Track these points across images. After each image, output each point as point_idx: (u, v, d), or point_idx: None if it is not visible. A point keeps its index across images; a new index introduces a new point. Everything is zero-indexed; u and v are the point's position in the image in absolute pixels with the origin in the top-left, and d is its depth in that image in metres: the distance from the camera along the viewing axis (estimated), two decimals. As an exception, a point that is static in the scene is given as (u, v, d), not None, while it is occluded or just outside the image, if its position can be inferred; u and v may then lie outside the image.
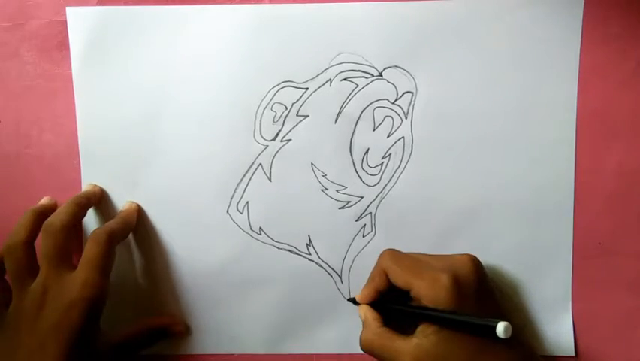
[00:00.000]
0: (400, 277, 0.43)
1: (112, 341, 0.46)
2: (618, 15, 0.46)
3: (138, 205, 0.49)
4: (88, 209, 0.48)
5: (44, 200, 0.48)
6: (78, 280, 0.42)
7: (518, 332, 0.42)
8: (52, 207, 0.47)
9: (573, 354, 0.49)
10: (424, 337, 0.41)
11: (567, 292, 0.48)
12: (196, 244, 0.49)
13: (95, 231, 0.44)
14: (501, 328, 0.37)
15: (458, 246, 0.48)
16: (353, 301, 0.48)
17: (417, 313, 0.42)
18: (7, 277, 0.45)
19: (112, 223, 0.46)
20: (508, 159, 0.47)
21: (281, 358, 0.50)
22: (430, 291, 0.41)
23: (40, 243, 0.44)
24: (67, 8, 0.47)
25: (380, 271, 0.45)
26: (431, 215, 0.48)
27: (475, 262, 0.43)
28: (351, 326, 0.49)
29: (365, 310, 0.46)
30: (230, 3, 0.47)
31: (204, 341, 0.50)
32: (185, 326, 0.50)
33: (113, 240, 0.44)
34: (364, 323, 0.45)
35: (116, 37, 0.47)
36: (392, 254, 0.45)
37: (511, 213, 0.48)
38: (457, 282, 0.41)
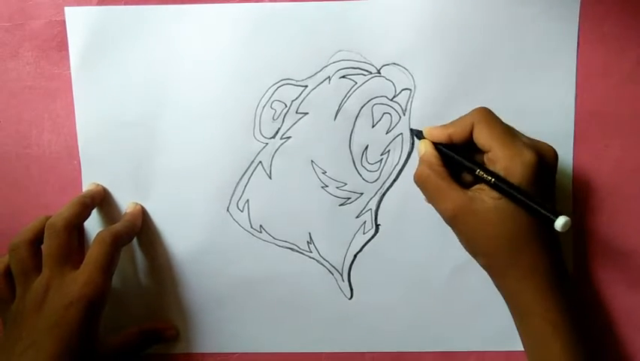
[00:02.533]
0: (486, 136, 0.41)
1: (108, 347, 0.46)
2: (615, 15, 0.47)
3: (142, 207, 0.49)
4: (92, 209, 0.48)
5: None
6: (80, 279, 0.42)
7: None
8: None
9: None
10: (481, 195, 0.40)
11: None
12: (196, 242, 0.49)
13: (100, 233, 0.44)
14: (561, 221, 0.37)
15: (458, 242, 0.48)
16: (416, 133, 0.46)
17: (483, 175, 0.40)
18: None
19: (117, 226, 0.46)
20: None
21: (282, 356, 0.50)
22: (509, 161, 0.39)
23: (44, 242, 0.44)
24: (65, 8, 0.47)
25: (467, 122, 0.42)
26: (431, 210, 0.48)
27: (556, 155, 0.42)
28: (351, 324, 0.50)
29: (427, 145, 0.44)
30: (230, 2, 0.47)
31: (205, 340, 0.50)
32: (176, 330, 0.50)
33: (118, 242, 0.45)
34: (423, 158, 0.43)
35: (115, 36, 0.47)
36: (487, 112, 0.42)
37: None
38: (539, 164, 0.40)
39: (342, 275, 0.49)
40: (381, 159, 0.48)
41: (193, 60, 0.48)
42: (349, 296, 0.50)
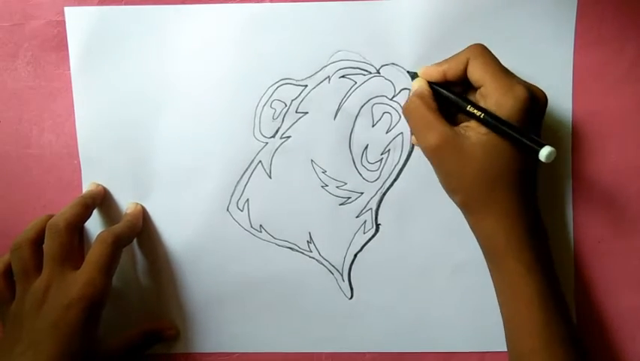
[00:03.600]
0: (480, 71, 0.41)
1: (110, 348, 0.46)
2: (612, 16, 0.47)
3: (143, 207, 0.49)
4: (93, 210, 0.48)
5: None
6: (80, 279, 0.42)
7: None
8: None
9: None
10: (467, 132, 0.41)
11: (569, 288, 0.49)
12: (196, 242, 0.49)
13: (101, 233, 0.44)
14: (546, 151, 0.38)
15: (459, 241, 0.48)
16: (412, 75, 0.46)
17: (473, 111, 0.41)
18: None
19: (119, 226, 0.46)
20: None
21: (282, 356, 0.50)
22: (501, 95, 0.40)
23: (45, 242, 0.44)
24: (65, 8, 0.47)
25: (461, 58, 0.42)
26: (431, 210, 0.48)
27: (547, 99, 0.43)
28: (351, 324, 0.50)
29: (422, 82, 0.44)
30: (230, 2, 0.47)
31: (205, 340, 0.50)
32: (176, 330, 0.50)
33: (118, 243, 0.45)
34: (416, 92, 0.44)
35: (115, 36, 0.47)
36: (482, 48, 0.42)
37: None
38: (530, 101, 0.40)
39: (342, 275, 0.49)
40: (382, 159, 0.48)
41: (193, 60, 0.48)
42: (349, 296, 0.50)
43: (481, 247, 0.43)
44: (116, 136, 0.48)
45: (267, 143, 0.48)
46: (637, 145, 0.48)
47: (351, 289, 0.49)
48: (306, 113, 0.48)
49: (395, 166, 0.48)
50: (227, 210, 0.49)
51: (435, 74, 0.43)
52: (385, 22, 0.47)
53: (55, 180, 0.49)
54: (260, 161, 0.48)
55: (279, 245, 0.49)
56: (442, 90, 0.43)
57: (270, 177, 0.48)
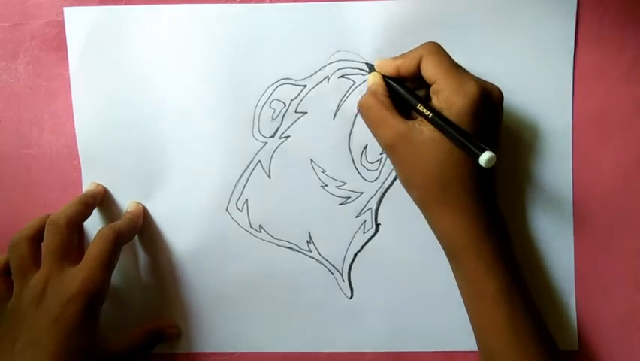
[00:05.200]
0: (433, 67, 0.41)
1: (112, 348, 0.46)
2: (612, 15, 0.47)
3: (144, 206, 0.49)
4: (93, 209, 0.48)
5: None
6: (79, 275, 0.42)
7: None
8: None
9: (577, 348, 0.49)
10: (421, 126, 0.41)
11: (570, 288, 0.49)
12: (196, 242, 0.49)
13: (102, 229, 0.44)
14: (485, 156, 0.38)
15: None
16: (370, 67, 0.46)
17: (422, 110, 0.41)
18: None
19: (119, 223, 0.46)
20: (505, 155, 0.47)
21: (281, 356, 0.50)
22: (452, 92, 0.40)
23: (44, 238, 0.44)
24: (64, 8, 0.47)
25: (415, 54, 0.42)
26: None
27: (502, 95, 0.42)
28: (351, 324, 0.49)
29: (377, 78, 0.44)
30: (230, 2, 0.47)
31: (204, 340, 0.50)
32: (178, 329, 0.50)
33: (119, 239, 0.45)
34: (370, 88, 0.44)
35: (114, 36, 0.47)
36: (436, 45, 0.42)
37: (510, 210, 0.48)
38: (481, 98, 0.40)
39: (342, 275, 0.49)
40: (381, 158, 0.48)
41: (192, 60, 0.48)
42: (349, 296, 0.49)
43: (442, 246, 0.44)
44: (116, 136, 0.48)
45: (266, 143, 0.48)
46: (638, 145, 0.48)
47: (351, 289, 0.49)
48: (306, 113, 0.48)
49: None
50: (227, 210, 0.49)
51: (389, 69, 0.44)
52: (384, 22, 0.47)
53: (55, 180, 0.49)
54: (259, 161, 0.48)
55: (279, 245, 0.49)
56: (395, 86, 0.44)
57: (270, 177, 0.48)
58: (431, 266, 0.49)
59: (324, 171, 0.48)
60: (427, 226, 0.47)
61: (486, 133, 0.41)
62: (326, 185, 0.48)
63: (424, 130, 0.41)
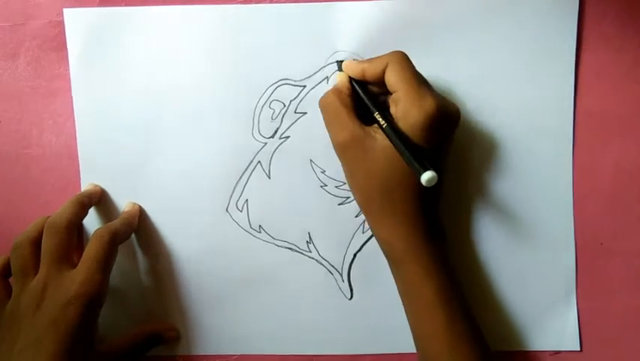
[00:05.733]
0: (396, 77, 0.41)
1: (110, 348, 0.46)
2: (614, 14, 0.47)
3: (140, 206, 0.49)
4: (90, 208, 0.48)
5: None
6: (78, 277, 0.42)
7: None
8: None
9: (578, 348, 0.49)
10: (376, 134, 0.41)
11: (571, 288, 0.48)
12: (195, 242, 0.49)
13: (97, 230, 0.45)
14: (427, 176, 0.38)
15: (459, 241, 0.48)
16: (339, 65, 0.46)
17: (379, 118, 0.41)
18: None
19: (115, 223, 0.46)
20: (505, 156, 0.47)
21: (281, 358, 0.50)
22: (410, 104, 0.40)
23: (43, 241, 0.44)
24: (64, 10, 0.47)
25: (381, 61, 0.42)
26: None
27: (459, 117, 0.43)
28: (352, 325, 0.49)
29: (343, 77, 0.44)
30: (229, 3, 0.47)
31: (204, 342, 0.50)
32: (177, 332, 0.50)
33: (115, 239, 0.45)
34: (335, 86, 0.44)
35: (114, 38, 0.47)
36: (403, 55, 0.42)
37: (510, 210, 0.48)
38: (438, 115, 0.40)
39: (341, 275, 0.49)
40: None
41: (191, 60, 0.48)
42: (349, 297, 0.49)
43: (382, 251, 0.44)
44: (116, 137, 0.48)
45: (265, 143, 0.48)
46: (639, 145, 0.47)
47: (351, 289, 0.49)
48: (305, 113, 0.48)
49: (394, 166, 0.48)
50: (227, 210, 0.49)
51: (355, 71, 0.44)
52: (383, 23, 0.47)
53: (54, 180, 0.49)
54: (259, 161, 0.48)
55: (279, 246, 0.49)
56: (358, 89, 0.44)
57: (269, 178, 0.48)
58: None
59: (323, 172, 0.48)
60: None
61: (436, 150, 0.42)
62: (325, 185, 0.48)
63: (377, 138, 0.41)
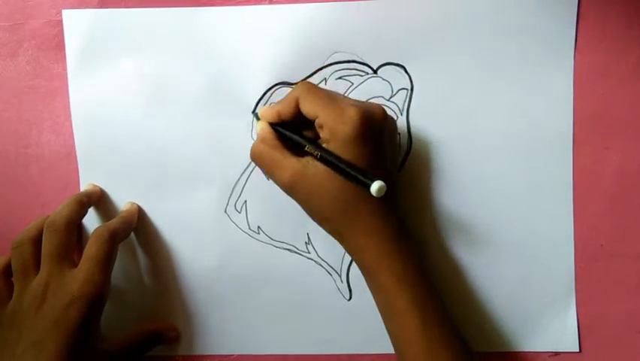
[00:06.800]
0: (310, 105, 0.42)
1: (111, 347, 0.46)
2: (615, 15, 0.46)
3: (139, 206, 0.49)
4: (89, 207, 0.48)
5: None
6: (79, 277, 0.42)
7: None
8: None
9: (577, 350, 0.49)
10: (314, 161, 0.42)
11: (570, 289, 0.48)
12: (194, 244, 0.49)
13: (97, 229, 0.45)
14: (375, 187, 0.38)
15: (458, 243, 0.48)
16: (256, 115, 0.47)
17: (311, 150, 0.42)
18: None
19: (114, 222, 0.46)
20: (505, 157, 0.47)
21: (280, 358, 0.50)
22: (333, 122, 0.41)
23: (43, 240, 0.44)
24: (63, 11, 0.47)
25: (291, 98, 0.43)
26: (429, 211, 0.48)
27: (385, 113, 0.43)
28: (351, 326, 0.49)
29: (263, 125, 0.45)
30: (227, 5, 0.47)
31: (203, 342, 0.50)
32: (177, 332, 0.50)
33: (114, 238, 0.45)
34: (259, 135, 0.44)
35: (112, 39, 0.47)
36: (308, 84, 0.44)
37: (510, 211, 0.48)
38: (363, 121, 0.40)
39: (340, 276, 0.49)
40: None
41: (190, 62, 0.48)
42: (348, 297, 0.49)
43: (356, 264, 0.45)
44: (114, 138, 0.48)
45: (264, 144, 0.48)
46: (639, 147, 0.47)
47: (350, 290, 0.49)
48: (304, 114, 0.48)
49: (393, 168, 0.48)
50: (225, 211, 0.49)
51: (271, 116, 0.44)
52: (382, 22, 0.46)
53: (54, 180, 0.49)
54: (258, 163, 0.48)
55: (277, 247, 0.49)
56: (281, 130, 0.44)
57: (268, 179, 0.48)
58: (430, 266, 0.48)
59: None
60: (424, 227, 0.47)
61: (377, 156, 0.42)
62: (324, 186, 0.48)
63: (317, 165, 0.41)
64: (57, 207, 0.46)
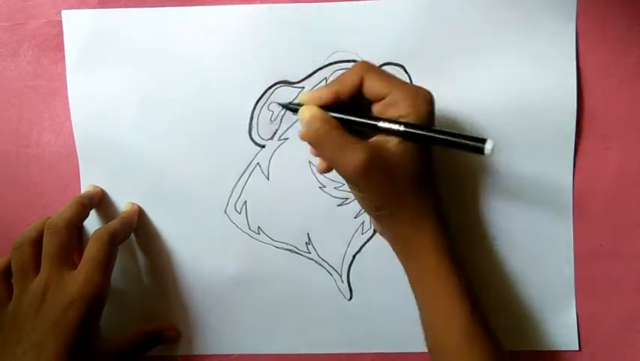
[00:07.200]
0: (381, 82, 0.40)
1: (111, 348, 0.46)
2: (616, 15, 0.46)
3: (139, 206, 0.49)
4: (91, 209, 0.48)
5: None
6: (79, 278, 0.42)
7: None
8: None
9: (577, 348, 0.49)
10: (383, 143, 0.39)
11: (570, 288, 0.48)
12: (194, 244, 0.49)
13: (96, 231, 0.45)
14: (490, 145, 0.37)
15: (458, 243, 0.48)
16: (290, 107, 0.45)
17: (389, 127, 0.39)
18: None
19: (114, 223, 0.46)
20: (505, 157, 0.47)
21: (281, 358, 0.50)
22: (413, 99, 0.39)
23: (44, 242, 0.44)
24: (62, 11, 0.47)
25: (353, 76, 0.40)
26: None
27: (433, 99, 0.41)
28: (351, 326, 0.50)
29: (315, 111, 0.40)
30: (226, 4, 0.47)
31: (203, 342, 0.50)
32: (177, 332, 0.50)
33: (114, 240, 0.45)
34: (313, 118, 0.40)
35: (112, 39, 0.47)
36: (369, 64, 0.41)
37: (510, 211, 0.48)
38: (432, 98, 0.40)
39: (341, 276, 0.49)
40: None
41: (190, 62, 0.47)
42: (349, 297, 0.49)
43: (396, 250, 0.44)
44: (114, 138, 0.48)
45: (264, 145, 0.48)
46: (640, 147, 0.47)
47: (350, 290, 0.49)
48: (304, 114, 0.48)
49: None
50: (225, 212, 0.49)
51: (326, 97, 0.40)
52: (382, 22, 0.46)
53: (54, 180, 0.49)
54: (258, 163, 0.48)
55: (278, 247, 0.49)
56: (339, 116, 0.40)
57: (268, 179, 0.48)
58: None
59: (322, 173, 0.48)
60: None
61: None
62: (324, 186, 0.48)
63: (389, 147, 0.39)
64: (58, 208, 0.46)
